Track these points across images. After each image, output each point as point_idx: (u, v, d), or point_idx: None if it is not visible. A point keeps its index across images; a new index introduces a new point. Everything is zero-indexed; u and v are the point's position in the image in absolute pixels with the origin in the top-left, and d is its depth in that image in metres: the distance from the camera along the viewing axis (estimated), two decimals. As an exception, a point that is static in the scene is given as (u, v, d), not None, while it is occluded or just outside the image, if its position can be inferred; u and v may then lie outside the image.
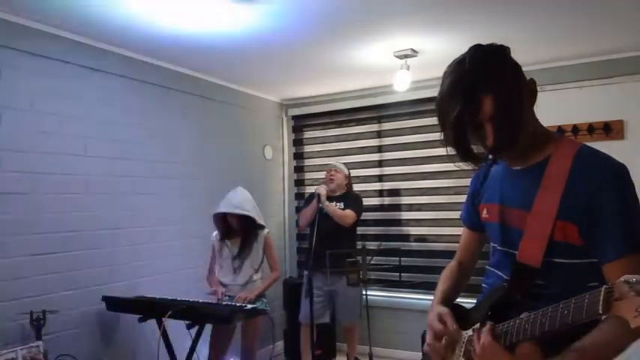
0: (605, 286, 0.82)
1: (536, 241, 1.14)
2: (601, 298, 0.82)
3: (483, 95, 1.07)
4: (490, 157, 1.16)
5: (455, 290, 1.47)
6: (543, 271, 1.13)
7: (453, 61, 1.16)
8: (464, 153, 1.14)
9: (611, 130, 3.67)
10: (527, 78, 1.15)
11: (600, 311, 0.82)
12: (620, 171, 1.10)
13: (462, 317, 1.31)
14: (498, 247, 1.31)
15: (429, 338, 1.31)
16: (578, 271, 1.13)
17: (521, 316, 1.03)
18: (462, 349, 1.25)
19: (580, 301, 0.88)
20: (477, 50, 1.14)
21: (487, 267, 1.38)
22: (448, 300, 1.42)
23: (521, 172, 1.22)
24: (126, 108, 3.39)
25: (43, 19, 2.79)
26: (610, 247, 1.06)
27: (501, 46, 1.16)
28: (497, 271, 1.32)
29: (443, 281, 1.48)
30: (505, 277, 1.26)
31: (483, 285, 1.39)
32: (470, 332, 1.24)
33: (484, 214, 1.35)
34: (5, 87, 2.68)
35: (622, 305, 0.79)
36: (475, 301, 1.37)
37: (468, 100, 1.08)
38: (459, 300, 1.47)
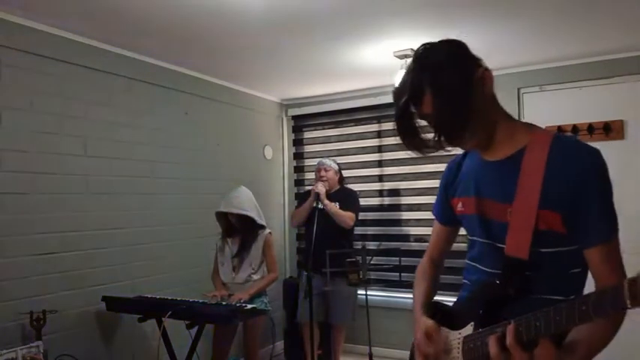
0: (627, 279, 0.83)
1: (522, 234, 1.15)
2: (626, 292, 0.82)
3: (425, 91, 1.12)
4: (440, 141, 1.17)
5: (433, 289, 1.48)
6: (531, 262, 1.15)
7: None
8: (408, 138, 1.20)
9: (611, 130, 3.67)
10: (484, 68, 1.17)
11: (629, 305, 0.82)
12: (598, 158, 1.12)
13: (448, 316, 1.29)
14: (480, 240, 1.29)
15: (418, 357, 1.31)
16: (563, 259, 1.16)
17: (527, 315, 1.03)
18: (460, 350, 1.22)
19: (599, 296, 0.88)
20: (423, 48, 1.18)
21: (467, 261, 1.36)
22: (428, 300, 1.42)
23: (497, 163, 1.23)
24: (126, 108, 3.39)
25: (43, 19, 2.79)
26: (593, 233, 1.09)
27: (450, 41, 1.19)
28: (479, 266, 1.30)
29: (419, 282, 1.48)
30: (489, 270, 1.26)
31: (465, 281, 1.38)
32: (468, 330, 1.22)
33: (459, 207, 1.35)
34: (5, 87, 2.68)
35: None
36: (451, 298, 1.37)
37: (412, 96, 1.14)
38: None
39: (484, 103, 1.16)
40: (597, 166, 1.10)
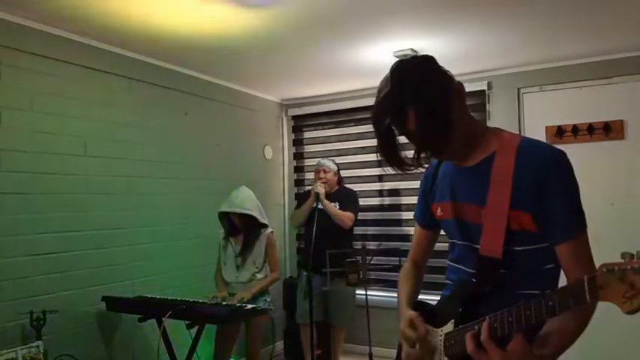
0: (586, 277, 0.89)
1: (494, 234, 1.20)
2: (586, 288, 0.88)
3: (406, 110, 1.15)
4: (420, 159, 1.22)
5: (416, 290, 1.52)
6: (504, 260, 1.19)
7: (384, 77, 1.22)
8: (391, 159, 1.23)
9: (611, 130, 3.66)
10: (456, 81, 1.21)
11: (588, 301, 0.88)
12: (562, 158, 1.16)
13: (430, 315, 1.33)
14: (459, 242, 1.35)
15: (404, 346, 1.34)
16: (535, 256, 1.20)
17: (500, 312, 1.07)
18: (442, 347, 1.26)
19: (563, 292, 0.94)
20: (398, 67, 1.20)
21: (449, 262, 1.41)
22: (412, 300, 1.46)
23: (470, 169, 1.28)
24: (126, 108, 3.39)
25: (43, 19, 2.79)
26: (560, 230, 1.14)
27: (424, 57, 1.22)
28: (460, 266, 1.36)
29: (404, 284, 1.52)
30: (469, 270, 1.30)
31: (447, 280, 1.42)
32: (449, 328, 1.25)
33: (438, 212, 1.40)
34: (5, 87, 2.68)
35: (608, 292, 0.85)
36: (436, 297, 1.40)
37: (394, 115, 1.17)
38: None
39: (461, 113, 1.21)
40: (562, 167, 1.16)
